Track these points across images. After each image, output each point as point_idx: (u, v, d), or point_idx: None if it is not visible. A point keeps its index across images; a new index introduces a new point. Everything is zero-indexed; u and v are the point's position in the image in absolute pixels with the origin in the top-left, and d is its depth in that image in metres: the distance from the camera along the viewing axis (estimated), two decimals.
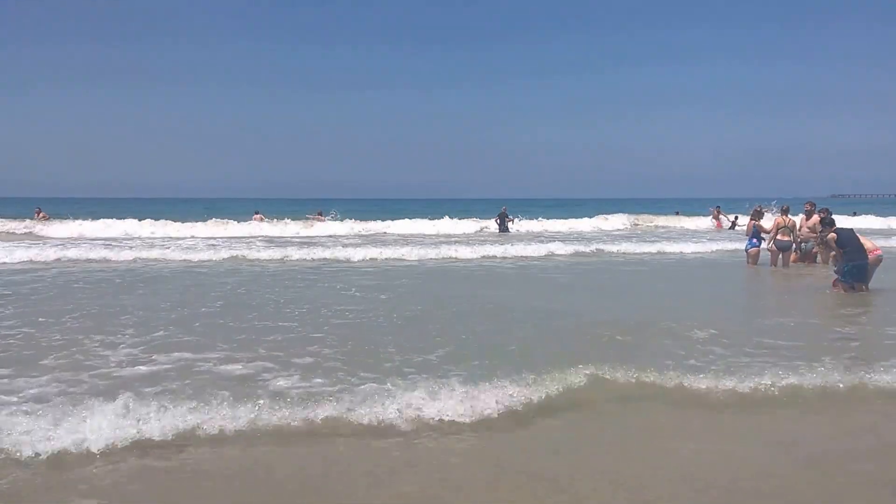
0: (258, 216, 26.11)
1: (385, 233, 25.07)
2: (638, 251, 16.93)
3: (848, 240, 9.59)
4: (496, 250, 16.08)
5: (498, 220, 26.05)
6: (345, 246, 16.80)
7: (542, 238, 21.61)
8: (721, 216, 28.79)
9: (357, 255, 14.98)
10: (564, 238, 21.46)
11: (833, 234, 9.72)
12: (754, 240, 13.60)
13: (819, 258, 13.43)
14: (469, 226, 27.23)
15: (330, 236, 22.39)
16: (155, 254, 14.82)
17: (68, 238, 20.06)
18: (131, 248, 16.13)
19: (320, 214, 27.65)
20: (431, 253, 15.68)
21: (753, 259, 13.53)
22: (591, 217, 31.23)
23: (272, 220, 25.96)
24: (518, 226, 26.86)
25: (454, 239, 20.95)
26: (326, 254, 15.13)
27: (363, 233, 24.50)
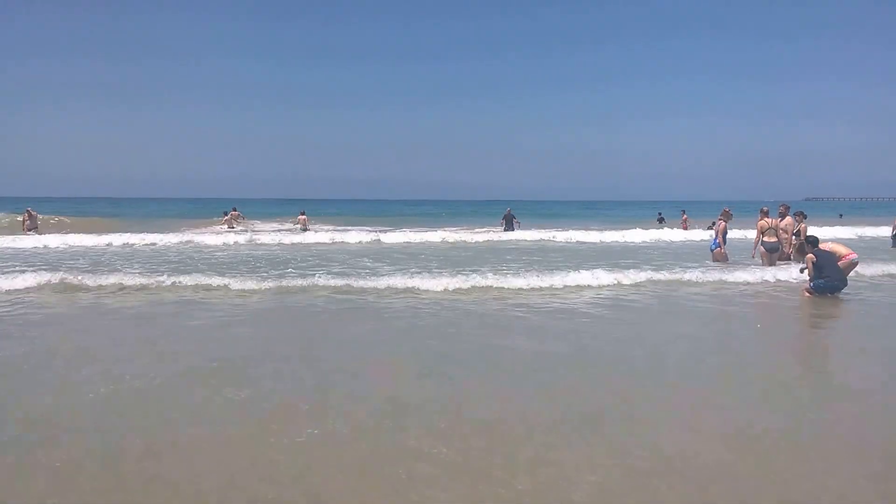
0: (303, 217, 29.21)
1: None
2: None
3: (826, 263, 9.85)
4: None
5: (503, 222, 26.93)
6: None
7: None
8: (687, 220, 30.22)
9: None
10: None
11: (812, 256, 9.96)
12: (718, 240, 14.12)
13: (792, 259, 13.65)
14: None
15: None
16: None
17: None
18: None
19: (303, 214, 29.63)
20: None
21: (721, 259, 13.94)
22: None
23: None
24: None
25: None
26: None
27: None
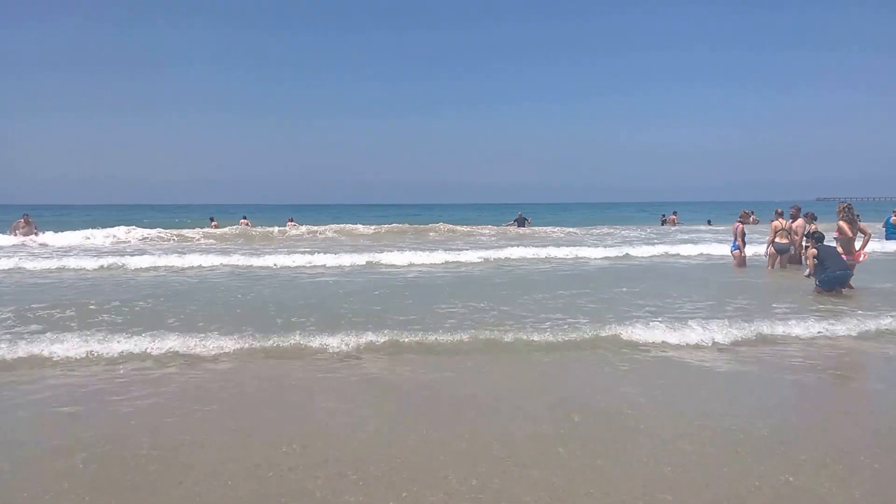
0: (292, 223, 29.31)
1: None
2: None
3: (827, 255, 9.97)
4: None
5: (515, 223, 29.39)
6: None
7: None
8: (675, 220, 33.74)
9: None
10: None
11: (814, 251, 10.11)
12: (737, 241, 13.76)
13: (805, 261, 13.54)
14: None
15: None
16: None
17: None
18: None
19: (291, 220, 30.11)
20: None
21: (739, 261, 13.74)
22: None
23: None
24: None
25: None
26: None
27: None
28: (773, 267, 13.26)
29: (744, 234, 13.92)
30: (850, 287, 10.18)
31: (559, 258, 16.50)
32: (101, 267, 14.41)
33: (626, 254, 17.31)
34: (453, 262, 15.52)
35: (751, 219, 26.53)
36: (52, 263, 14.67)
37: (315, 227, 26.97)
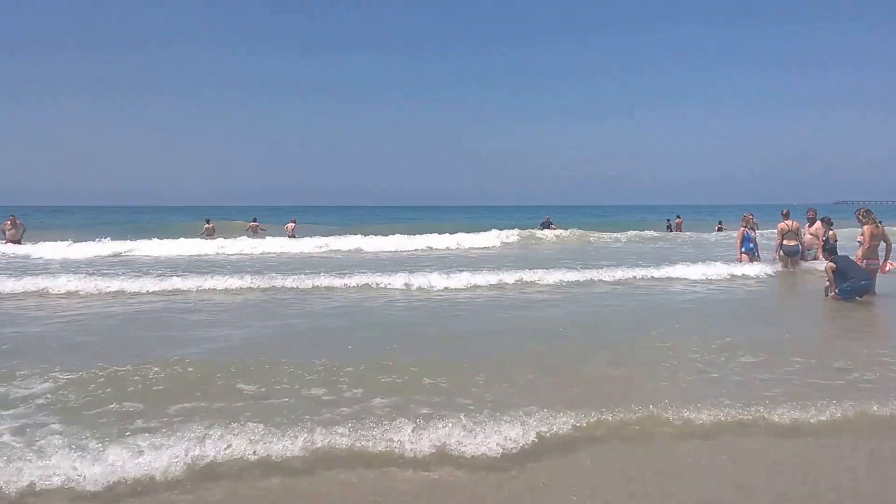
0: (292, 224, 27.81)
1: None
2: None
3: (848, 267, 9.86)
4: None
5: (541, 228, 30.38)
6: None
7: None
8: (681, 224, 33.22)
9: None
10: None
11: (831, 264, 10.02)
12: (736, 244, 14.35)
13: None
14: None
15: None
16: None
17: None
18: None
19: (293, 222, 28.36)
20: None
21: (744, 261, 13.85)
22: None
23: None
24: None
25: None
26: None
27: None
28: (787, 266, 13.10)
29: (743, 238, 14.06)
30: (874, 293, 10.02)
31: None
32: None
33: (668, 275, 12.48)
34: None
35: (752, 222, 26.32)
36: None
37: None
